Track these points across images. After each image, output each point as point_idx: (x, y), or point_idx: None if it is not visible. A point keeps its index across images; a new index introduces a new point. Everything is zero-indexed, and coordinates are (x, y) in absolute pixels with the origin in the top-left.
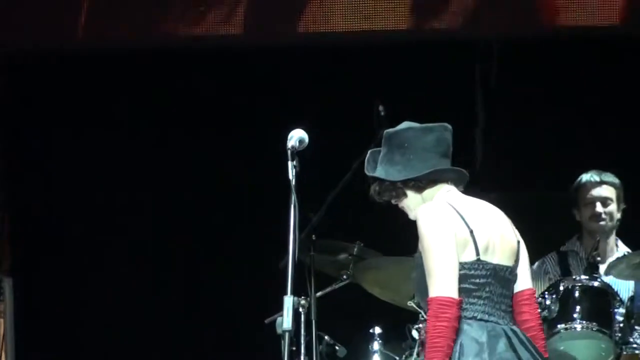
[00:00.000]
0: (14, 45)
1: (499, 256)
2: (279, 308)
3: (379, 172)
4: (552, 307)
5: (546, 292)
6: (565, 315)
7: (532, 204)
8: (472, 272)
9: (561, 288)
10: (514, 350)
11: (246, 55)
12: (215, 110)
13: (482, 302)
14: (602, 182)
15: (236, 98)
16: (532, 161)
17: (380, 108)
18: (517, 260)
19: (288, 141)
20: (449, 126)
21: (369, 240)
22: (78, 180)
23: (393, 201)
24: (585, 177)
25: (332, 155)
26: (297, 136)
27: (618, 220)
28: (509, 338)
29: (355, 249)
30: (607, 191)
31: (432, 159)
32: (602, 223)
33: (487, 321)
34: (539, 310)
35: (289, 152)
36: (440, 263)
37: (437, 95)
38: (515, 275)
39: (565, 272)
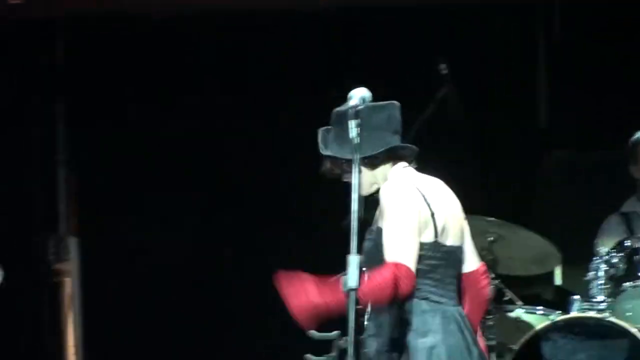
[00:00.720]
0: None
1: (452, 237)
2: None
3: (333, 150)
4: (620, 266)
5: (614, 251)
6: (632, 274)
7: (595, 162)
8: (430, 253)
9: (628, 247)
10: (462, 333)
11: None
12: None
13: (434, 283)
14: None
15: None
16: (596, 119)
17: (443, 66)
18: (463, 238)
19: (349, 100)
20: (398, 103)
21: None
22: (139, 144)
23: (344, 178)
24: None
25: None
26: (359, 95)
27: None
28: (457, 321)
29: None
30: None
31: (385, 137)
32: None
33: (439, 302)
34: (606, 268)
35: (350, 111)
36: (407, 237)
37: (500, 54)
38: (463, 254)
39: (632, 232)
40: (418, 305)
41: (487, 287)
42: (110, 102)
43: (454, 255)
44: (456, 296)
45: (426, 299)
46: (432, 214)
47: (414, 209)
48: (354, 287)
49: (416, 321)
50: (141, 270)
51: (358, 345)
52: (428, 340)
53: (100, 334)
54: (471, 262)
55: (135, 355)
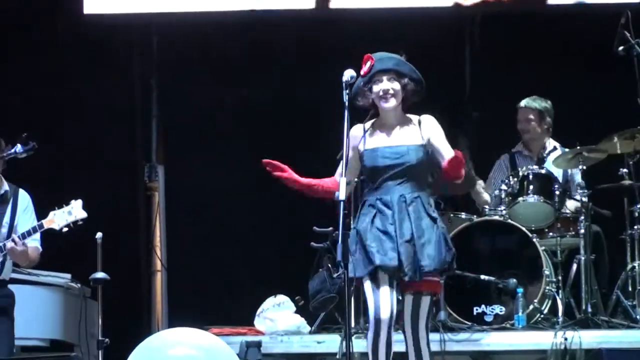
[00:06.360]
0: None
1: None
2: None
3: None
4: (515, 186)
5: (511, 176)
6: (523, 191)
7: (500, 119)
8: None
9: (520, 174)
10: None
11: None
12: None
13: None
14: (524, 107)
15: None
16: (502, 92)
17: (403, 55)
18: None
19: (343, 77)
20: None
21: None
22: (205, 96)
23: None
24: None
25: None
26: (348, 74)
27: (546, 128)
28: None
29: None
30: (526, 112)
31: None
32: (526, 135)
33: None
34: (505, 188)
35: (343, 84)
36: None
37: (442, 49)
38: None
39: (514, 166)
40: None
41: None
42: (187, 78)
43: None
44: None
45: None
46: None
47: None
48: (343, 199)
49: None
50: (205, 187)
51: (345, 237)
52: None
53: (178, 231)
54: None
55: (202, 248)
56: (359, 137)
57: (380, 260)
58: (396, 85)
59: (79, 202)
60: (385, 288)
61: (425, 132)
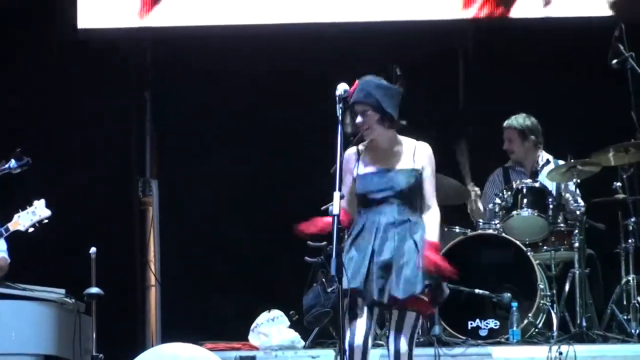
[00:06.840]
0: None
1: None
2: None
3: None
4: (508, 200)
5: (504, 190)
6: (517, 205)
7: (494, 134)
8: None
9: (514, 187)
10: None
11: None
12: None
13: None
14: (506, 127)
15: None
16: (495, 108)
17: (397, 69)
18: None
19: (336, 91)
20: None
21: None
22: (200, 118)
23: (367, 134)
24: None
25: None
26: (342, 88)
27: (531, 145)
28: None
29: None
30: (508, 132)
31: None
32: (512, 156)
33: None
34: (499, 202)
35: (337, 98)
36: None
37: (434, 62)
38: None
39: (507, 181)
40: None
41: None
42: (182, 92)
43: None
44: None
45: None
46: None
47: None
48: (336, 214)
49: None
50: (199, 202)
51: (339, 251)
52: None
53: (172, 246)
54: None
55: (196, 262)
56: (353, 163)
57: (350, 284)
58: (369, 118)
59: (42, 202)
60: (363, 316)
61: (419, 162)
